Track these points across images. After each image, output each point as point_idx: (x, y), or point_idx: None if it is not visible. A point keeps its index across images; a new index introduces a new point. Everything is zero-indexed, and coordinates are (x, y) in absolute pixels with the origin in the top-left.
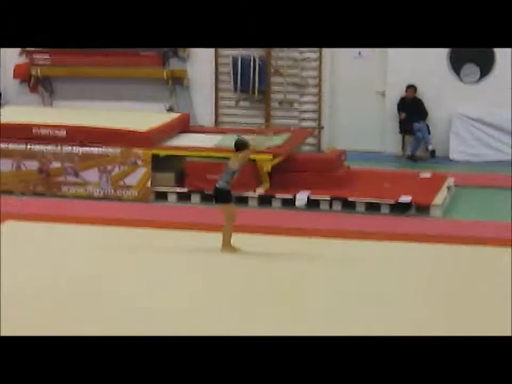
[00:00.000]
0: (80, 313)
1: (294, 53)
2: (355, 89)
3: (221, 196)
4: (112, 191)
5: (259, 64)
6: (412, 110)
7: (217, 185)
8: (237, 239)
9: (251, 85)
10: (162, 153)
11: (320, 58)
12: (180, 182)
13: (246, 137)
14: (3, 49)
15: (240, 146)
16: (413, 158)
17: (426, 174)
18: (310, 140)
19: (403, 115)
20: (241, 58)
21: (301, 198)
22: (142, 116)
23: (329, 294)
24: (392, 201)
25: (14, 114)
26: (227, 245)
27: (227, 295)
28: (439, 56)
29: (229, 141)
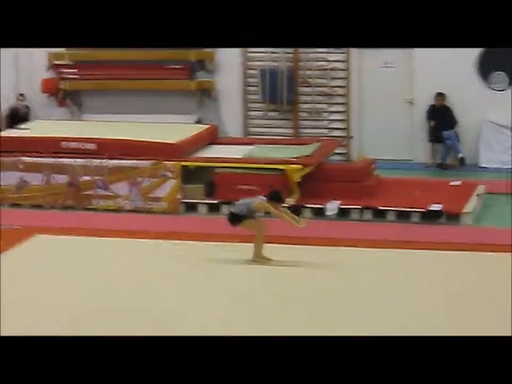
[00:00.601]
0: (112, 327)
1: (322, 62)
2: (383, 98)
3: (234, 219)
4: (142, 203)
5: (287, 75)
6: (441, 118)
7: (232, 210)
8: (269, 249)
9: (279, 96)
10: (191, 165)
11: (348, 68)
12: (209, 193)
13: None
14: (31, 63)
15: (274, 198)
16: (442, 166)
17: (457, 182)
18: (340, 150)
19: (432, 123)
20: (269, 69)
21: (331, 207)
22: (171, 128)
23: (361, 301)
24: (422, 210)
25: (43, 128)
26: (258, 256)
27: (266, 302)
28: (467, 63)
29: (258, 152)
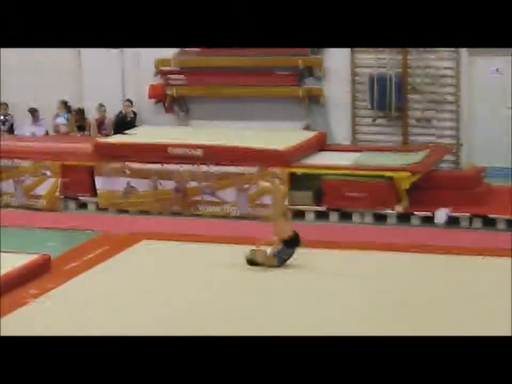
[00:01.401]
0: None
1: (431, 69)
2: (493, 104)
3: None
4: (250, 210)
5: (395, 82)
6: None
7: None
8: (380, 256)
9: (388, 102)
10: (299, 171)
11: (457, 75)
12: (317, 200)
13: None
14: (139, 71)
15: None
16: None
17: None
18: (449, 157)
19: None
20: (378, 75)
21: (441, 215)
22: (279, 134)
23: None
24: None
25: (149, 134)
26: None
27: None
28: None
29: (367, 159)
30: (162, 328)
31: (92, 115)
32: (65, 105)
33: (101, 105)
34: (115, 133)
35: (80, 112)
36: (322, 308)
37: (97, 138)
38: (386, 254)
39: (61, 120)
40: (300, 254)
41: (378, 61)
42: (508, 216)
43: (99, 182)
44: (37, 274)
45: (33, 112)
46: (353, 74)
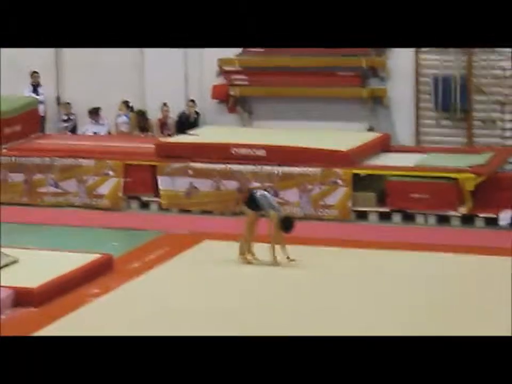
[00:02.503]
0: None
1: (497, 70)
2: None
3: (250, 201)
4: (313, 210)
5: (460, 82)
6: None
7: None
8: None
9: (452, 104)
10: (362, 172)
11: None
12: (380, 201)
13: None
14: (202, 71)
15: (285, 227)
16: None
17: None
18: None
19: None
20: (442, 76)
21: (505, 217)
22: (342, 135)
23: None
24: None
25: (212, 134)
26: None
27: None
28: None
29: (430, 160)
30: (223, 328)
31: (154, 116)
32: (127, 105)
33: (165, 105)
34: (178, 133)
35: (142, 113)
36: (382, 308)
37: (160, 138)
38: (450, 256)
39: (123, 119)
40: (363, 255)
41: (442, 61)
42: None
43: (162, 181)
44: (100, 274)
45: (95, 111)
46: (417, 75)
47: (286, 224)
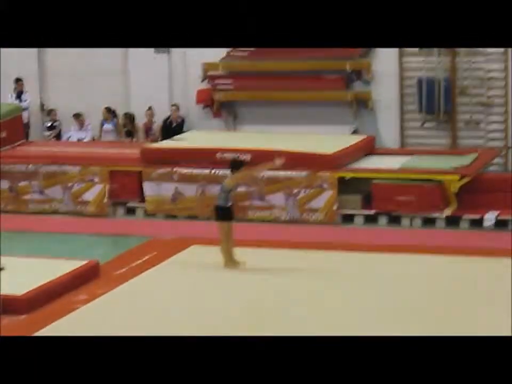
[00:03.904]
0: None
1: (479, 72)
2: None
3: (221, 214)
4: (299, 214)
5: (444, 85)
6: None
7: (217, 203)
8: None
9: (436, 106)
10: (348, 175)
11: (506, 77)
12: (366, 204)
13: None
14: (186, 76)
15: (235, 166)
16: None
17: None
18: (497, 160)
19: None
20: (426, 79)
21: (489, 218)
22: (327, 138)
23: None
24: None
25: (197, 139)
26: (229, 261)
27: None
28: None
29: (415, 162)
30: (210, 330)
31: (139, 120)
32: (108, 111)
33: (149, 109)
34: (163, 138)
35: (129, 117)
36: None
37: (145, 144)
38: (435, 257)
39: (109, 126)
40: (350, 257)
41: (426, 64)
42: None
43: (147, 187)
44: (86, 280)
45: (78, 117)
46: (402, 77)
47: (235, 163)
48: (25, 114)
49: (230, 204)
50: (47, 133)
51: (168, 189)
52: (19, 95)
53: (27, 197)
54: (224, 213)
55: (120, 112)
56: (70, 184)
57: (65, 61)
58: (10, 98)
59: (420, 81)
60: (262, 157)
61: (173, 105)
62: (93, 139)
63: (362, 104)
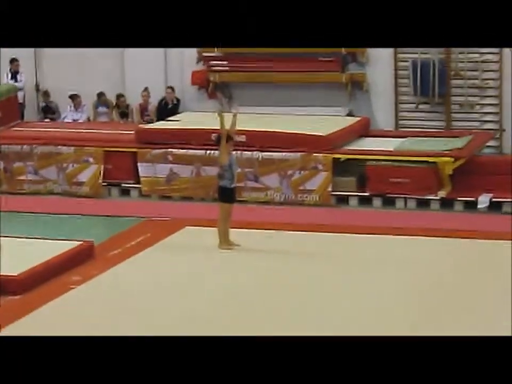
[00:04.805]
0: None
1: (474, 54)
2: None
3: (223, 194)
4: (293, 196)
5: (439, 67)
6: None
7: (221, 184)
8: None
9: (431, 88)
10: (343, 157)
11: (500, 60)
12: (361, 186)
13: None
14: (181, 57)
15: (218, 141)
16: None
17: None
18: (492, 143)
19: None
20: (421, 62)
21: (483, 200)
22: (322, 120)
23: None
24: None
25: (192, 120)
26: (224, 242)
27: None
28: None
29: (410, 144)
30: (205, 315)
31: (134, 102)
32: (100, 96)
33: (145, 89)
34: (158, 119)
35: (121, 97)
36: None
37: (140, 125)
38: (429, 239)
39: (103, 109)
40: (344, 239)
41: None
42: None
43: (142, 168)
44: (81, 261)
45: (74, 98)
46: (396, 60)
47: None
48: (20, 95)
49: (233, 186)
50: (43, 113)
51: (163, 170)
52: (14, 75)
53: (22, 177)
54: (226, 194)
55: (116, 93)
56: (64, 165)
57: None
58: (5, 79)
59: (414, 64)
60: (256, 138)
61: (168, 87)
62: (88, 120)
63: (357, 86)
